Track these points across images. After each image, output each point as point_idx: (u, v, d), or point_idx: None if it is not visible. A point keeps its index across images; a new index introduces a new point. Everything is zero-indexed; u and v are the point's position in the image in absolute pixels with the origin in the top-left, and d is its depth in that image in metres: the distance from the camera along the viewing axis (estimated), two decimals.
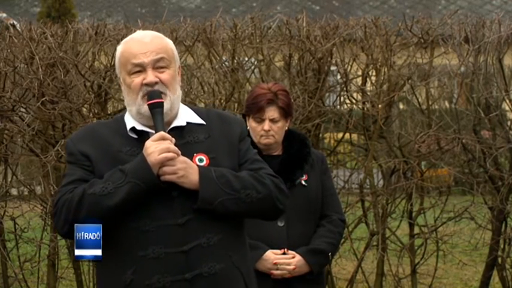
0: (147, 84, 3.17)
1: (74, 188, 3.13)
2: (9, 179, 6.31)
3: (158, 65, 3.19)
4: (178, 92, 3.25)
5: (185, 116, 3.26)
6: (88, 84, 6.11)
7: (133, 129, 3.21)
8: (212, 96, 6.39)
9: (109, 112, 6.24)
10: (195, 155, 3.18)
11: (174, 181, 3.11)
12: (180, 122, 3.24)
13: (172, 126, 3.22)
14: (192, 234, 3.11)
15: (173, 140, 3.11)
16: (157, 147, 3.07)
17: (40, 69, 5.83)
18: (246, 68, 6.67)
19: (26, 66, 5.99)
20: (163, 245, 3.09)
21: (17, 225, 6.28)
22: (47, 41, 6.07)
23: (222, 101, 6.41)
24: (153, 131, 3.17)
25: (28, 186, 6.54)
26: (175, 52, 3.28)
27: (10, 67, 5.92)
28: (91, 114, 6.16)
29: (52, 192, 5.97)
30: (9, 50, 6.08)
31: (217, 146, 3.23)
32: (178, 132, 3.20)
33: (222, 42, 6.57)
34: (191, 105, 3.44)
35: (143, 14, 20.59)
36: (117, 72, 3.30)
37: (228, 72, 6.48)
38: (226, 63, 6.59)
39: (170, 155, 3.08)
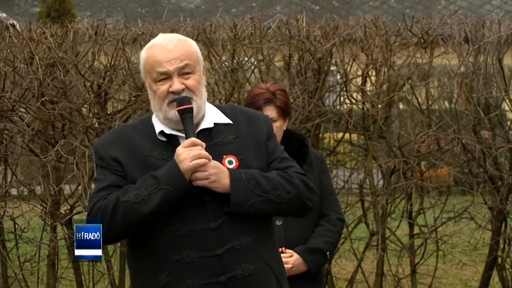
0: (173, 92, 3.19)
1: (107, 194, 3.15)
2: (9, 179, 6.30)
3: (183, 71, 3.21)
4: (204, 95, 3.28)
5: (212, 116, 3.28)
6: (88, 84, 6.11)
7: (162, 132, 3.24)
8: (212, 96, 6.38)
9: (109, 112, 6.24)
10: (224, 156, 3.21)
11: (207, 186, 3.14)
12: (207, 123, 3.26)
13: (200, 128, 3.24)
14: (225, 237, 3.14)
15: (204, 144, 3.14)
16: (189, 154, 3.10)
17: (40, 69, 5.83)
18: (245, 68, 6.67)
19: (25, 66, 5.99)
20: (197, 249, 3.13)
21: (16, 225, 6.28)
22: (47, 41, 6.07)
23: (222, 101, 6.41)
24: (182, 134, 3.19)
25: (28, 186, 6.54)
26: (199, 54, 3.30)
27: (10, 67, 5.92)
28: (91, 114, 6.16)
29: (52, 192, 5.97)
30: (9, 50, 6.08)
31: (246, 146, 3.26)
32: (206, 134, 3.22)
33: (221, 42, 6.57)
34: (216, 104, 3.45)
35: (143, 14, 20.60)
36: (142, 77, 3.32)
37: (228, 72, 6.49)
38: (226, 63, 6.59)
39: (202, 161, 3.11)
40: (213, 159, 3.15)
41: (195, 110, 3.20)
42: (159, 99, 3.21)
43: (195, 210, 3.14)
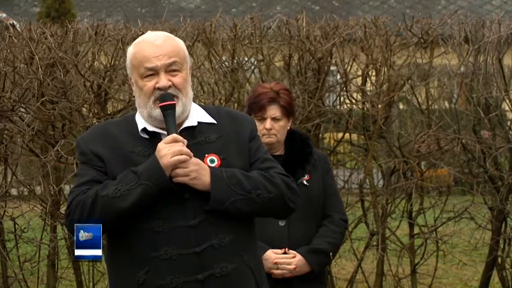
0: (159, 89, 3.18)
1: (87, 189, 3.15)
2: (9, 179, 6.30)
3: (171, 68, 3.20)
4: (190, 94, 3.27)
5: (196, 115, 3.28)
6: (88, 84, 6.11)
7: (144, 129, 3.23)
8: (212, 96, 6.39)
9: (109, 112, 6.24)
10: (206, 155, 3.20)
11: (187, 183, 3.13)
12: (191, 122, 3.25)
13: (183, 126, 3.23)
14: (204, 235, 3.13)
15: (185, 141, 3.13)
16: (170, 150, 3.09)
17: (40, 69, 5.83)
18: (245, 68, 6.67)
19: (25, 66, 5.99)
20: (176, 246, 3.12)
21: (16, 225, 6.28)
22: (47, 41, 6.07)
23: (222, 101, 6.41)
24: (165, 132, 3.18)
25: (28, 186, 6.54)
26: (187, 52, 3.30)
27: (10, 67, 5.92)
28: (91, 114, 6.16)
29: (52, 192, 5.97)
30: (9, 50, 6.08)
31: (229, 146, 3.24)
32: (189, 132, 3.22)
33: (221, 42, 6.57)
34: (201, 104, 3.45)
35: (143, 14, 20.60)
36: (128, 72, 3.32)
37: (228, 72, 6.48)
38: (226, 63, 6.59)
39: (183, 157, 3.10)
40: (195, 157, 3.14)
41: (180, 109, 3.19)
42: (144, 95, 3.20)
43: (174, 207, 3.13)
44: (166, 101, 3.16)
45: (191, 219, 3.13)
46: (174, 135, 3.13)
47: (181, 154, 3.10)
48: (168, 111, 3.16)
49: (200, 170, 3.13)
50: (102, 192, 3.10)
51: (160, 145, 3.12)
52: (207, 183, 3.13)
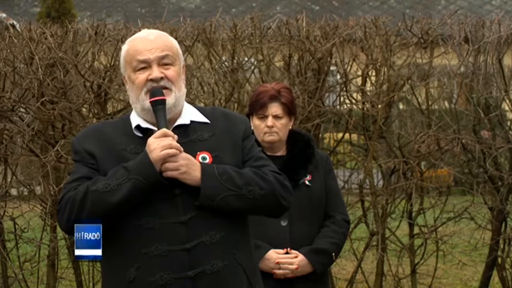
0: (152, 80, 3.19)
1: (78, 185, 3.15)
2: (9, 179, 6.31)
3: (163, 61, 3.21)
4: (183, 90, 3.28)
5: (189, 114, 3.28)
6: (88, 84, 6.11)
7: (138, 127, 3.23)
8: (212, 96, 6.39)
9: (109, 112, 6.24)
10: (198, 153, 3.19)
11: (177, 177, 3.12)
12: (184, 120, 3.25)
13: (176, 124, 3.23)
14: (195, 231, 3.12)
15: (175, 136, 3.13)
16: (160, 144, 3.09)
17: (40, 70, 5.83)
18: (245, 68, 6.67)
19: (25, 66, 5.99)
20: (167, 242, 3.11)
21: (16, 225, 6.28)
22: (47, 41, 6.07)
23: (222, 101, 6.41)
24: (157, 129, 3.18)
25: (28, 187, 6.55)
26: (180, 51, 3.31)
27: (10, 67, 5.92)
28: (91, 115, 6.16)
29: (52, 192, 5.97)
30: (9, 50, 6.08)
31: (221, 144, 3.24)
32: (182, 131, 3.22)
33: (221, 42, 6.57)
34: (199, 106, 3.45)
35: (143, 14, 20.60)
36: (122, 71, 3.33)
37: (228, 73, 6.48)
38: (226, 63, 6.59)
39: (172, 151, 3.10)
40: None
41: (172, 101, 3.19)
42: (137, 88, 3.21)
43: (165, 203, 3.13)
44: (155, 96, 3.17)
45: (182, 216, 3.12)
46: (164, 130, 3.13)
47: (171, 148, 3.10)
48: (159, 106, 3.16)
49: (190, 165, 3.13)
50: (92, 187, 3.11)
51: (150, 140, 3.12)
52: (197, 178, 3.12)
